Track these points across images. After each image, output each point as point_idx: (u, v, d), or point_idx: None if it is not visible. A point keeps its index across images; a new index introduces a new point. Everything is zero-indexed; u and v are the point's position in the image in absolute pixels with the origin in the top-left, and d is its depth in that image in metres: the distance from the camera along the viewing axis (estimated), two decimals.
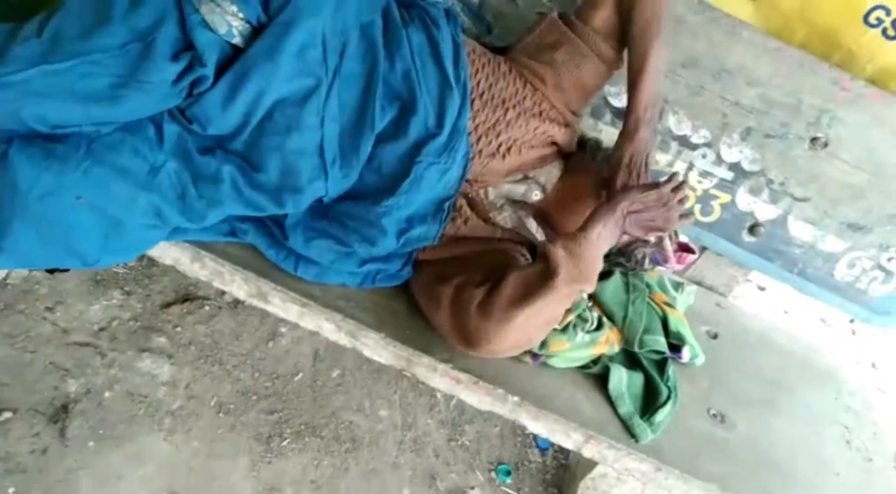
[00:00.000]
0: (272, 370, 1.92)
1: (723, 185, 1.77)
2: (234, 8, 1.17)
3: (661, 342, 1.51)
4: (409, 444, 1.92)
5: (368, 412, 1.94)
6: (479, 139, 1.40)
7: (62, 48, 1.07)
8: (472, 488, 1.89)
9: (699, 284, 1.94)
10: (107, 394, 1.71)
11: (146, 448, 1.66)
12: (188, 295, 1.97)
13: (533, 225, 1.49)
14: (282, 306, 1.34)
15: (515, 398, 1.35)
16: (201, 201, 1.20)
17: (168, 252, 1.33)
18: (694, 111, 1.69)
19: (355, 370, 2.02)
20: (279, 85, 1.19)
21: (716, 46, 1.62)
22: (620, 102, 1.70)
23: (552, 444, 2.05)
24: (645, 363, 1.53)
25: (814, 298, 1.86)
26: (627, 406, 1.43)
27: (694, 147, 1.74)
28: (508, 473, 1.94)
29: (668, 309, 1.60)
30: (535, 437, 2.06)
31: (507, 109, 1.42)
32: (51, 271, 1.85)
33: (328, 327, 1.35)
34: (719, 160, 1.74)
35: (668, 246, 1.37)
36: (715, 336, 1.77)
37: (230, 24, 1.17)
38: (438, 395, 2.05)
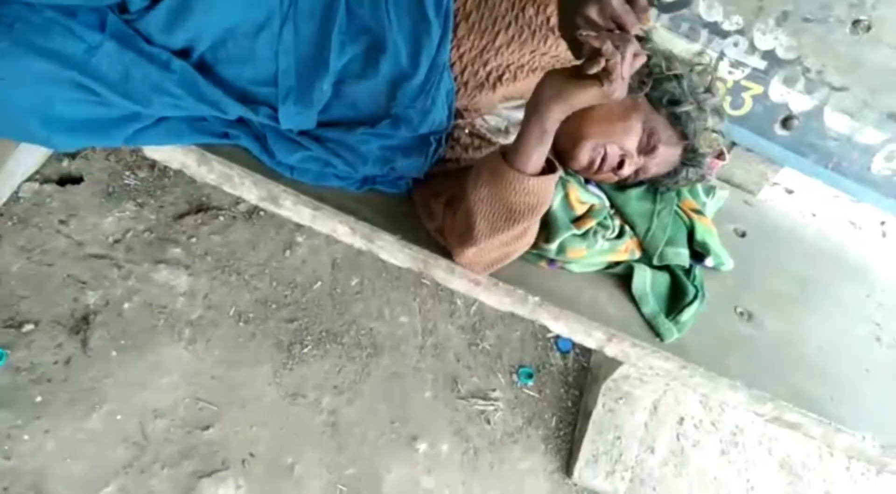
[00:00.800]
0: (290, 279, 1.91)
1: (755, 75, 1.66)
2: None
3: (682, 255, 1.45)
4: (429, 349, 1.91)
5: (388, 318, 1.93)
6: (464, 70, 1.30)
7: None
8: (494, 390, 1.89)
9: (727, 181, 1.86)
10: (126, 305, 1.71)
11: (168, 357, 1.67)
12: (202, 205, 1.94)
13: None
14: (293, 209, 1.30)
15: (536, 299, 1.32)
16: (145, 83, 1.13)
17: (174, 156, 1.28)
18: None
19: (374, 277, 2.00)
20: (226, 14, 1.13)
21: None
22: None
23: (574, 346, 2.04)
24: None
25: (848, 194, 1.78)
26: (651, 306, 1.39)
27: (725, 35, 1.63)
28: (530, 375, 1.94)
29: (695, 217, 1.53)
30: (556, 340, 2.05)
31: (497, 32, 1.30)
32: (61, 183, 1.83)
33: (342, 229, 1.31)
34: (752, 48, 1.63)
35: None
36: (743, 235, 1.71)
37: None
38: (458, 301, 2.03)
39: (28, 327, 1.60)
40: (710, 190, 1.67)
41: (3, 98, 1.07)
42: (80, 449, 1.49)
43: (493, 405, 1.87)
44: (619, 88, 0.99)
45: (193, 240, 1.87)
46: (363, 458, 1.69)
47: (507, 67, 1.33)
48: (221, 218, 1.93)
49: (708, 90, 1.34)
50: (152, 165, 1.94)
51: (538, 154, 1.09)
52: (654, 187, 1.47)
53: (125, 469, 1.51)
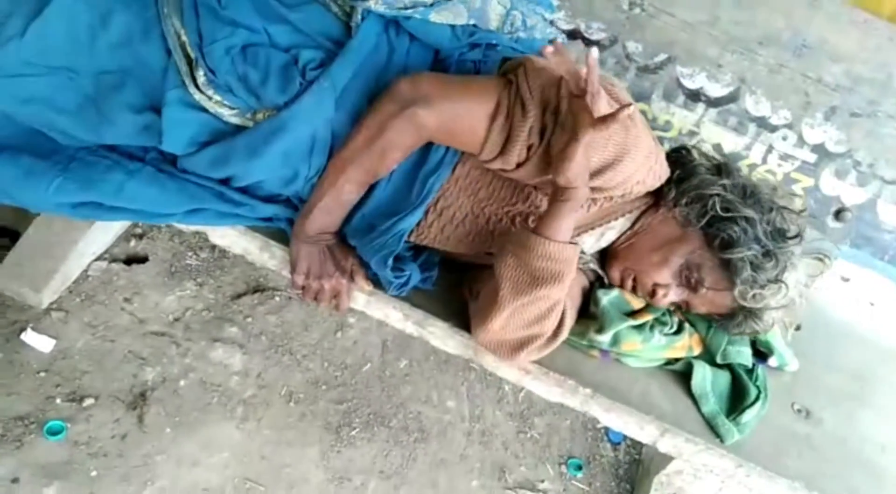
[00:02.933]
0: (341, 360, 1.94)
1: (805, 168, 1.68)
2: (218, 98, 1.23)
3: (745, 354, 1.42)
4: (477, 436, 1.90)
5: (436, 402, 1.93)
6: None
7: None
8: (542, 481, 1.86)
9: None
10: (182, 383, 1.75)
11: (220, 435, 1.70)
12: (259, 286, 2.00)
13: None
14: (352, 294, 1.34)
15: (587, 390, 1.31)
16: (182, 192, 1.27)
17: (238, 242, 1.35)
18: (773, 91, 1.61)
19: (423, 360, 2.01)
20: (258, 173, 1.26)
21: (796, 20, 1.53)
22: (693, 82, 1.64)
23: (625, 438, 2.00)
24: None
25: None
26: (712, 405, 1.36)
27: (773, 129, 1.66)
28: (580, 467, 1.90)
29: None
30: (607, 431, 2.01)
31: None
32: (128, 263, 1.92)
33: (395, 315, 1.34)
34: (801, 142, 1.66)
35: None
36: (798, 328, 1.69)
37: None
38: (506, 387, 2.03)
39: (88, 401, 1.65)
40: None
41: None
42: None
43: None
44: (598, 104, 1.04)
45: (249, 320, 1.92)
46: None
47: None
48: (277, 298, 1.99)
49: (787, 237, 1.23)
50: (213, 246, 2.03)
51: (566, 224, 1.13)
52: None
53: None
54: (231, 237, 1.35)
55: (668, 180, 1.28)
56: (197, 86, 1.18)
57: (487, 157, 1.19)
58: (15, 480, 1.50)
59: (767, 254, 1.22)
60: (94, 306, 1.81)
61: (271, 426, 1.75)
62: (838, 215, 1.68)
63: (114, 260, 1.91)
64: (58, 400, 1.63)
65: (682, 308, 1.36)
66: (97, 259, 1.88)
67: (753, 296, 1.22)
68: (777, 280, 1.22)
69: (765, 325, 1.31)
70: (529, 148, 1.15)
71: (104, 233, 1.90)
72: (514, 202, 1.28)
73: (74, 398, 1.65)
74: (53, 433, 1.58)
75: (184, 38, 1.19)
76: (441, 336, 1.35)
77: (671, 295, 1.29)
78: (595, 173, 1.14)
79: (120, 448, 1.61)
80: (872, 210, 1.67)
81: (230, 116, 1.23)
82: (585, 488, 1.88)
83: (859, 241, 1.71)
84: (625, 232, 1.33)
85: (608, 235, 1.34)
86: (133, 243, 1.96)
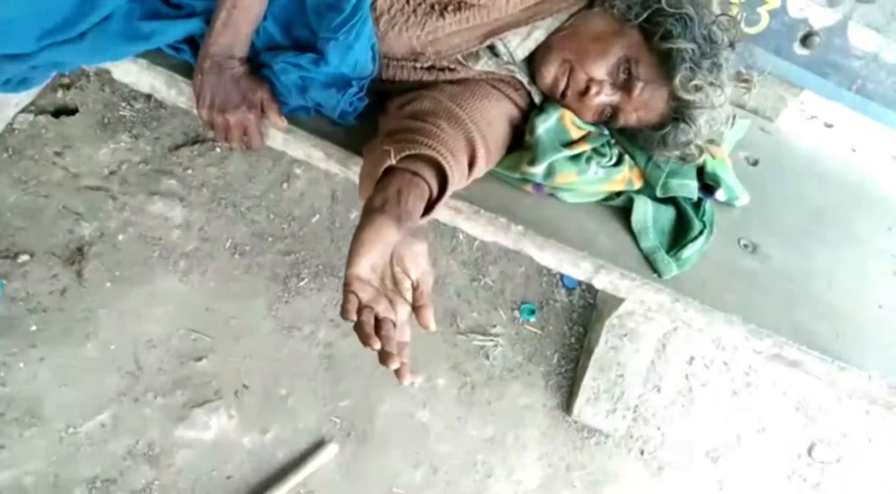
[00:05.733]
0: (288, 212, 1.88)
1: None
2: None
3: (690, 187, 1.35)
4: None
5: None
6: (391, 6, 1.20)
7: None
8: (494, 326, 1.86)
9: (741, 107, 1.74)
10: (121, 237, 1.70)
11: (162, 288, 1.67)
12: (198, 137, 1.91)
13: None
14: (269, 132, 1.25)
15: (519, 228, 1.25)
16: None
17: (142, 78, 1.24)
18: None
19: None
20: None
21: None
22: None
23: (579, 283, 1.98)
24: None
25: (873, 119, 1.65)
26: (651, 241, 1.31)
27: None
28: (532, 312, 1.90)
29: (707, 148, 1.43)
30: (562, 276, 1.99)
31: None
32: (56, 115, 1.82)
33: (317, 154, 1.26)
34: None
35: None
36: (755, 163, 1.61)
37: None
38: (461, 236, 1.98)
39: (24, 257, 1.61)
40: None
41: None
42: (74, 377, 1.51)
43: (492, 340, 1.83)
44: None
45: (189, 172, 1.84)
46: (358, 391, 1.68)
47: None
48: (218, 150, 1.90)
49: (722, 44, 1.18)
50: (148, 96, 1.91)
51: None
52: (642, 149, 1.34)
53: (119, 397, 1.53)
54: (134, 74, 1.24)
55: None
56: None
57: None
58: None
59: (704, 55, 1.17)
60: (22, 161, 1.73)
61: (216, 278, 1.72)
62: (805, 40, 1.55)
63: (41, 112, 1.80)
64: None
65: (610, 119, 1.28)
66: (22, 111, 1.78)
67: (693, 88, 1.16)
68: (713, 83, 1.17)
69: (695, 134, 1.24)
70: None
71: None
72: None
73: (8, 256, 1.61)
74: None
75: None
76: None
77: (603, 95, 1.21)
78: None
79: (60, 303, 1.59)
80: (842, 35, 1.54)
81: None
82: (538, 332, 1.88)
83: (826, 69, 1.59)
84: (554, 32, 1.24)
85: (535, 34, 1.24)
86: (60, 93, 1.85)
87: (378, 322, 0.88)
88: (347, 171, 1.28)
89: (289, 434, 1.58)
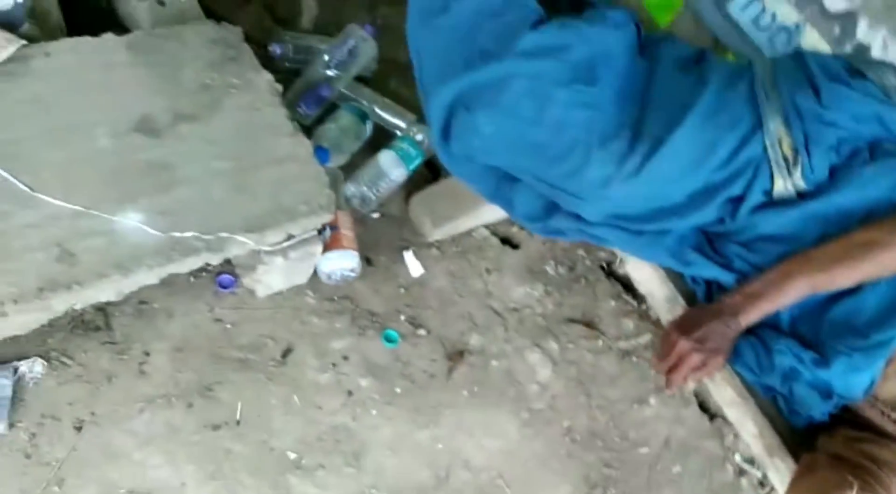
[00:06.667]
0: (625, 429, 1.93)
1: None
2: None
3: None
4: None
5: None
6: None
7: None
8: None
9: None
10: (494, 363, 1.87)
11: (499, 423, 1.79)
12: (591, 322, 2.06)
13: None
14: (717, 383, 1.33)
15: None
16: None
17: (649, 282, 1.41)
18: None
19: (697, 474, 1.93)
20: None
21: None
22: None
23: None
24: None
25: None
26: None
27: None
28: None
29: None
30: None
31: None
32: (503, 242, 2.10)
33: (750, 427, 1.30)
34: None
35: None
36: None
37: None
38: None
39: (421, 331, 1.84)
40: None
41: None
42: (401, 449, 1.66)
43: None
44: None
45: (570, 346, 1.99)
46: None
47: None
48: (600, 342, 2.04)
49: None
50: (572, 266, 2.14)
51: None
52: None
53: (412, 489, 1.63)
54: (646, 274, 1.41)
55: None
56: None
57: None
58: (345, 357, 1.73)
59: None
60: (462, 261, 2.01)
61: (543, 446, 1.80)
62: None
63: (494, 233, 2.09)
64: (402, 316, 1.84)
65: None
66: (484, 226, 2.08)
67: None
68: None
69: None
70: None
71: (500, 210, 2.09)
72: None
73: (413, 323, 1.85)
74: (388, 339, 1.78)
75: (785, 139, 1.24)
76: (781, 475, 1.28)
77: None
78: None
79: (426, 383, 1.77)
80: None
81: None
82: None
83: None
84: None
85: None
86: (515, 229, 2.14)
87: None
88: (765, 457, 1.30)
89: None
